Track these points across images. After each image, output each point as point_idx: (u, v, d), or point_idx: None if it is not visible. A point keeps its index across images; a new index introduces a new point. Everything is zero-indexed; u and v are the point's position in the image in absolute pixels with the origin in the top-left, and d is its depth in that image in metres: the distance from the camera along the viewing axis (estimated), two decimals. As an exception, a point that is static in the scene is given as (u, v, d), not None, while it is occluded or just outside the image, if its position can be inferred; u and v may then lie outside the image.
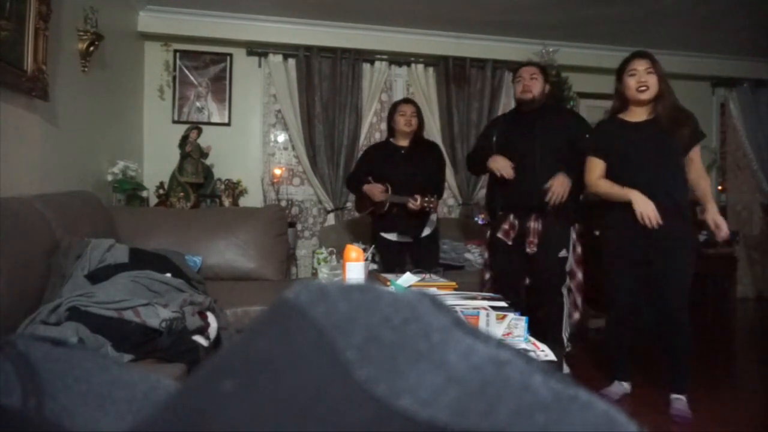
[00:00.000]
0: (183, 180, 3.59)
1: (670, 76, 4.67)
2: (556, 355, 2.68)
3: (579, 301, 2.84)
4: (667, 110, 2.34)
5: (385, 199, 3.11)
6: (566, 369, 2.84)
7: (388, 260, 3.12)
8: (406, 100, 3.38)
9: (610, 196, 2.43)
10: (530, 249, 2.71)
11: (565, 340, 2.83)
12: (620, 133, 2.43)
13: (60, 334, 1.52)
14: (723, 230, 2.31)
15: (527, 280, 2.88)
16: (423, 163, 3.14)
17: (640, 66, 2.36)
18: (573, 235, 2.78)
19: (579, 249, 2.82)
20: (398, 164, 3.13)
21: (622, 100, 2.46)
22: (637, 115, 2.42)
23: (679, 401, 2.38)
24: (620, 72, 2.44)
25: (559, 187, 2.65)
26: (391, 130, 3.29)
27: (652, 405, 2.47)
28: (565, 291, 2.79)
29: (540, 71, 2.82)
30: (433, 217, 3.22)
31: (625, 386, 2.59)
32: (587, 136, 2.66)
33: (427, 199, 2.96)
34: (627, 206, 2.36)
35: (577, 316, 2.84)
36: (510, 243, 2.77)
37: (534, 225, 2.72)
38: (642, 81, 2.35)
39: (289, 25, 4.19)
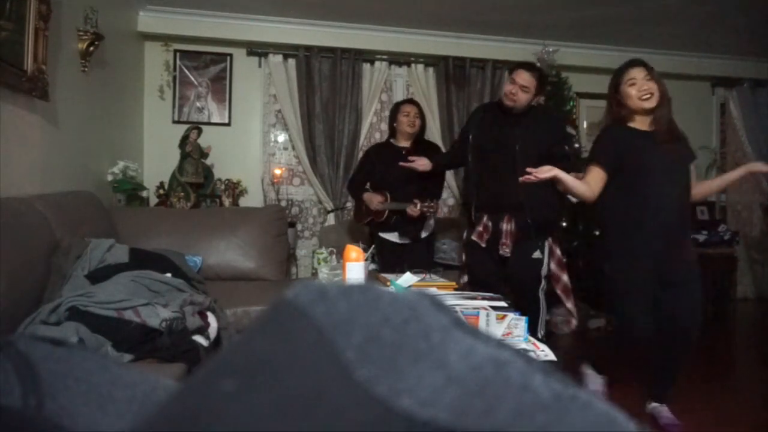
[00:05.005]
0: (183, 180, 3.59)
1: (670, 76, 4.67)
2: None
3: (570, 305, 2.77)
4: (665, 120, 2.25)
5: (383, 208, 3.11)
6: None
7: (387, 260, 3.10)
8: (409, 101, 3.36)
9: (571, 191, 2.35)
10: (503, 251, 2.63)
11: None
12: (638, 141, 2.28)
13: (60, 334, 1.52)
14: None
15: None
16: None
17: (638, 74, 2.26)
18: (549, 239, 2.69)
19: (558, 252, 2.73)
20: (396, 167, 3.08)
21: (621, 111, 2.31)
22: (643, 124, 2.29)
23: (664, 409, 2.34)
24: (617, 83, 2.32)
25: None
26: (393, 131, 3.28)
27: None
28: (541, 294, 2.69)
29: (537, 83, 2.64)
30: (431, 221, 3.19)
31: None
32: (566, 146, 2.63)
33: (426, 204, 2.91)
34: (635, 235, 2.25)
35: (575, 322, 2.78)
36: (484, 245, 2.70)
37: (507, 226, 2.64)
38: (644, 89, 2.24)
39: (289, 25, 4.19)
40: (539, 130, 2.64)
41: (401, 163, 2.94)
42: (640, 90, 2.25)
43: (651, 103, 2.24)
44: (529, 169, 2.28)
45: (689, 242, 2.31)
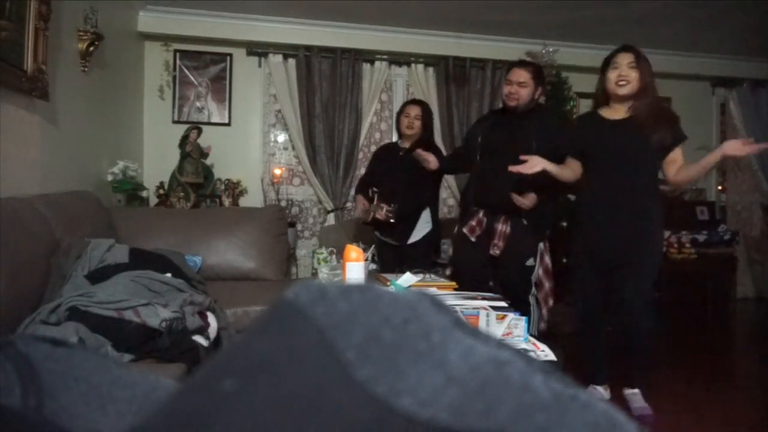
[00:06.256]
0: (183, 180, 3.59)
1: (670, 76, 4.64)
2: None
3: (545, 311, 2.76)
4: (647, 108, 2.24)
5: (368, 211, 3.11)
6: None
7: (383, 261, 3.12)
8: (414, 101, 3.31)
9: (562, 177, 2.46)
10: (493, 251, 2.63)
11: None
12: (596, 130, 2.35)
13: (60, 334, 1.52)
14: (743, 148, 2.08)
15: (491, 283, 2.77)
16: (415, 167, 2.97)
17: (623, 60, 2.25)
18: (542, 246, 2.69)
19: (547, 259, 2.73)
20: (392, 167, 3.08)
21: (603, 95, 2.37)
22: (617, 112, 2.33)
23: (636, 396, 2.34)
24: (604, 65, 2.34)
25: (526, 201, 2.57)
26: (400, 132, 3.27)
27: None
28: (532, 300, 2.68)
29: (533, 77, 2.66)
30: (425, 219, 3.10)
31: (600, 391, 2.49)
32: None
33: (380, 206, 2.92)
34: (593, 206, 2.35)
35: (543, 326, 2.76)
36: (473, 239, 2.69)
37: (501, 227, 2.63)
38: (622, 75, 2.24)
39: (289, 25, 4.19)
40: (542, 132, 2.64)
41: (415, 152, 2.88)
42: (619, 75, 2.27)
43: (625, 90, 2.26)
44: (523, 157, 2.37)
45: (647, 228, 2.28)
